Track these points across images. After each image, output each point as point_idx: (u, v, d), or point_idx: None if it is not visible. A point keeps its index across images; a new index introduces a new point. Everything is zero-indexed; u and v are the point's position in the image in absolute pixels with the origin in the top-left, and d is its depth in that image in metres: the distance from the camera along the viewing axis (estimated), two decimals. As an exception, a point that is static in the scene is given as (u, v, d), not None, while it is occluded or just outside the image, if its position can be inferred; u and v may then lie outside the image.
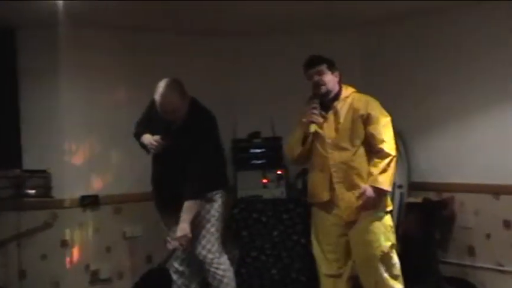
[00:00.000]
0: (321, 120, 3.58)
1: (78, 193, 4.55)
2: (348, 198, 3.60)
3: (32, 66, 4.45)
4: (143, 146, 3.73)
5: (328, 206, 3.67)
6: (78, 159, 4.60)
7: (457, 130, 4.49)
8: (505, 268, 4.23)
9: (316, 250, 3.79)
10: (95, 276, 4.59)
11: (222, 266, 3.76)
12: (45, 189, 4.43)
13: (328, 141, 3.62)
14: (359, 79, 4.63)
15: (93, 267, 4.61)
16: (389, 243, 3.62)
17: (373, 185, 3.51)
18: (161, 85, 3.47)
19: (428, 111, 4.63)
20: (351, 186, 3.59)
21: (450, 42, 4.48)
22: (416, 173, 4.65)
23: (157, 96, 3.47)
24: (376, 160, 3.54)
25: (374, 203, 3.54)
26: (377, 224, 3.60)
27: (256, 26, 4.77)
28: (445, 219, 4.42)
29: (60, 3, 3.87)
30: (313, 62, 3.64)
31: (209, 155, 3.67)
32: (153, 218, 4.76)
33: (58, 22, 4.10)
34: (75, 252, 4.54)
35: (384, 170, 3.51)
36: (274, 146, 4.92)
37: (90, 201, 4.57)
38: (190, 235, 3.54)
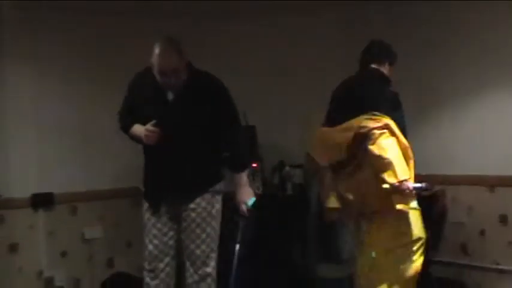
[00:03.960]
0: None
1: (29, 191, 4.23)
2: None
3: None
4: (135, 139, 3.36)
5: None
6: (28, 153, 4.23)
7: (449, 117, 4.27)
8: (502, 267, 4.03)
9: None
10: (49, 285, 4.30)
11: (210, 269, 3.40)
12: (-9, 188, 4.15)
13: None
14: (340, 62, 4.45)
15: (47, 274, 4.32)
16: None
17: None
18: (158, 44, 3.20)
19: (416, 97, 4.28)
20: None
21: (442, 22, 4.24)
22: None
23: (154, 57, 3.18)
24: None
25: None
26: None
27: (227, 6, 4.47)
28: (436, 216, 4.17)
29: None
30: None
31: (239, 117, 3.44)
32: (115, 218, 4.56)
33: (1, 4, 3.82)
34: (26, 258, 4.22)
35: None
36: (248, 136, 4.51)
37: (43, 200, 4.26)
38: None
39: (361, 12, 4.59)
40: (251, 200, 3.39)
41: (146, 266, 3.41)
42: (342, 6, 4.57)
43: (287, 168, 4.65)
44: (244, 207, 3.40)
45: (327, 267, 4.46)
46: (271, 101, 4.74)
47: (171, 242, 3.37)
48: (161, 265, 3.37)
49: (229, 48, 4.79)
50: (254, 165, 4.55)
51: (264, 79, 4.74)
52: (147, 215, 3.38)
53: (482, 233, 4.11)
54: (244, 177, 3.39)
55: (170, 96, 3.26)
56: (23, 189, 4.18)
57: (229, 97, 3.36)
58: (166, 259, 3.37)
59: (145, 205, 3.40)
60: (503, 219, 4.00)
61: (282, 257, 4.47)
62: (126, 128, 3.39)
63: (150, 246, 3.36)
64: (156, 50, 3.17)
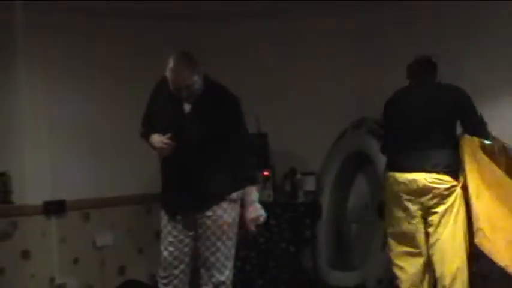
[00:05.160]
0: None
1: (42, 198, 4.23)
2: None
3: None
4: (153, 147, 3.38)
5: None
6: (41, 160, 4.24)
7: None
8: None
9: None
10: (60, 291, 4.31)
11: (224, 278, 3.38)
12: (4, 194, 4.17)
13: None
14: (352, 67, 4.55)
15: (59, 281, 4.30)
16: None
17: None
18: (172, 59, 3.22)
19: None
20: None
21: (445, 20, 4.21)
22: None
23: (168, 72, 3.22)
24: None
25: None
26: None
27: (237, 7, 4.45)
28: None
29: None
30: None
31: (248, 132, 3.42)
32: (126, 225, 4.57)
33: (14, 5, 3.80)
34: (38, 265, 4.21)
35: None
36: (259, 144, 4.60)
37: (55, 207, 4.26)
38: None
39: (372, 15, 4.57)
40: (257, 222, 3.32)
41: (161, 272, 3.39)
42: (352, 8, 4.56)
43: (298, 175, 4.64)
44: (251, 226, 3.34)
45: (338, 274, 4.45)
46: (283, 108, 4.72)
47: (186, 249, 3.36)
48: (176, 272, 3.36)
49: (236, 53, 4.77)
50: (265, 172, 4.58)
51: (275, 85, 4.72)
52: (163, 221, 3.39)
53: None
54: (252, 193, 3.32)
55: (187, 107, 3.29)
56: (35, 196, 4.18)
57: (238, 112, 3.35)
58: (182, 266, 3.36)
59: (162, 211, 3.41)
60: None
61: (294, 262, 4.48)
62: (145, 135, 3.41)
63: (166, 253, 3.36)
64: (170, 65, 3.19)
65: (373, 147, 4.32)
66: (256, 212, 3.32)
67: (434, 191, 3.48)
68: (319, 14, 4.63)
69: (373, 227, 4.31)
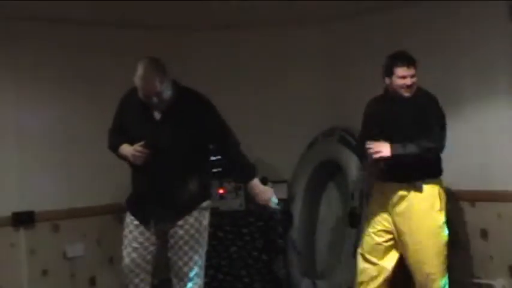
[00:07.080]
0: None
1: (9, 209, 4.16)
2: None
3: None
4: (123, 158, 3.36)
5: None
6: (9, 170, 4.17)
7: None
8: (483, 281, 4.02)
9: None
10: (30, 304, 4.24)
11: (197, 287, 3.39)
12: (-31, 206, 4.09)
13: None
14: (323, 76, 4.62)
15: (28, 293, 4.24)
16: None
17: None
18: (140, 66, 3.19)
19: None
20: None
21: (414, 37, 4.25)
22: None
23: (137, 80, 3.18)
24: None
25: None
26: None
27: (211, 19, 4.52)
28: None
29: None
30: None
31: (232, 130, 3.41)
32: (97, 235, 4.50)
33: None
34: (7, 277, 4.11)
35: None
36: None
37: (23, 219, 4.19)
38: None
39: (345, 27, 4.63)
40: (275, 199, 3.42)
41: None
42: (325, 21, 4.62)
43: (270, 184, 4.63)
44: (271, 204, 3.41)
45: (310, 282, 4.48)
46: (254, 117, 4.75)
47: (149, 257, 3.34)
48: (136, 280, 3.33)
49: (210, 63, 4.78)
50: (237, 181, 4.58)
51: (247, 94, 4.74)
52: (130, 227, 3.34)
53: (463, 247, 4.09)
54: (258, 181, 3.41)
55: (157, 115, 3.26)
56: (3, 207, 4.10)
57: (217, 113, 3.36)
58: (142, 274, 3.34)
59: (128, 218, 3.35)
60: (484, 233, 4.02)
61: (266, 271, 4.48)
62: (114, 147, 3.38)
63: (127, 260, 3.32)
64: (139, 72, 3.16)
65: (344, 155, 4.38)
66: (270, 192, 3.40)
67: None
68: (291, 25, 4.68)
69: (344, 235, 4.35)
